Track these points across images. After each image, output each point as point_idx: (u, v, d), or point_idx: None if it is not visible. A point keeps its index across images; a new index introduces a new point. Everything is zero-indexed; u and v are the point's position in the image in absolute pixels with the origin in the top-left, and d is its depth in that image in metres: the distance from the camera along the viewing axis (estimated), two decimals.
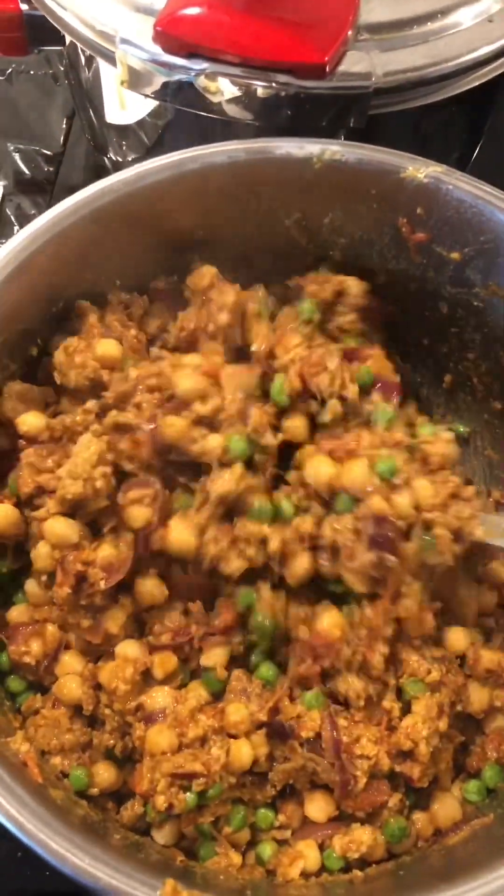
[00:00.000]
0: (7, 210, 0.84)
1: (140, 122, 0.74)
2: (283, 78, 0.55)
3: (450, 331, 0.61)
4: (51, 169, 0.86)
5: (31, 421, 0.53)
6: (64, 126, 0.88)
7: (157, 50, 0.57)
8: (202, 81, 0.58)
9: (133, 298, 0.61)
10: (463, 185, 0.53)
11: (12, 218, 0.84)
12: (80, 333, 0.56)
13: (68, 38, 0.69)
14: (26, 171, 0.86)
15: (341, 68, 0.55)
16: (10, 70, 0.90)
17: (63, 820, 0.41)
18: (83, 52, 0.66)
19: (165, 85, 0.60)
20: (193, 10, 0.54)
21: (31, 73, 0.90)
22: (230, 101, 0.59)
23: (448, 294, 0.59)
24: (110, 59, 0.60)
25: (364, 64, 0.56)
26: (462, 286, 0.58)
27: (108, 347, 0.55)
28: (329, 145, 0.55)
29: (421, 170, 0.54)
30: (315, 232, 0.60)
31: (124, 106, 0.74)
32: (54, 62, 0.91)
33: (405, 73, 0.56)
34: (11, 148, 0.87)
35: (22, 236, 0.53)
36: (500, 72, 0.60)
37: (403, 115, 0.60)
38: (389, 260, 0.60)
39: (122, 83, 0.59)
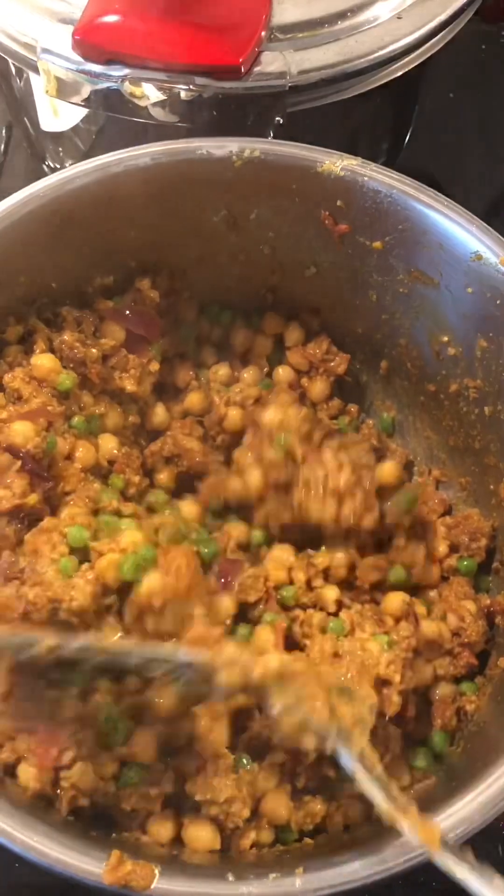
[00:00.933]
0: None
1: (75, 129, 0.75)
2: (201, 80, 0.57)
3: (381, 318, 0.64)
4: None
5: None
6: (3, 134, 0.89)
7: (78, 58, 0.58)
8: (127, 87, 0.59)
9: (83, 315, 0.62)
10: (377, 176, 0.55)
11: None
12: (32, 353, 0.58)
13: None
14: None
15: (257, 69, 0.57)
16: None
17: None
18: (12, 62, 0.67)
19: (92, 92, 0.61)
20: (110, 18, 0.56)
21: None
22: (156, 104, 0.61)
23: (375, 282, 0.61)
24: (32, 67, 0.61)
25: (278, 63, 0.57)
26: (387, 274, 0.60)
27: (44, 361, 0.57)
28: (248, 143, 0.57)
29: (336, 163, 0.56)
30: (243, 227, 0.61)
31: (57, 114, 0.75)
32: None
33: (319, 71, 0.58)
34: None
35: None
36: (414, 65, 0.62)
37: (331, 110, 0.62)
38: (318, 252, 0.62)
39: (47, 92, 0.61)
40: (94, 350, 0.62)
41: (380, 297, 0.62)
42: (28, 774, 0.47)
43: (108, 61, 0.57)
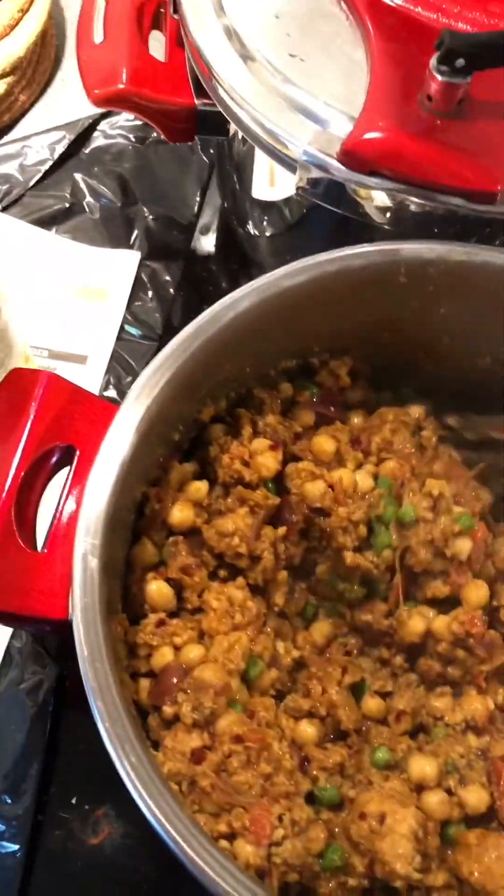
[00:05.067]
0: (142, 274, 0.88)
1: (286, 200, 0.78)
2: (454, 201, 0.59)
3: None
4: (184, 236, 0.91)
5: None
6: (198, 197, 0.93)
7: (335, 163, 0.61)
8: (353, 185, 0.62)
9: (272, 396, 0.66)
10: None
11: (147, 282, 0.88)
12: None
13: (232, 129, 0.74)
14: (161, 238, 0.91)
15: None
16: (150, 139, 0.95)
17: None
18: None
19: (317, 182, 0.64)
20: (378, 135, 0.58)
21: (170, 144, 0.95)
22: (378, 208, 0.63)
23: None
24: (285, 163, 0.64)
25: None
26: None
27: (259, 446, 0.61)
28: (456, 247, 0.61)
29: None
30: (428, 322, 0.65)
31: (273, 184, 0.78)
32: None
33: None
34: (148, 214, 0.91)
35: (176, 341, 0.57)
36: None
37: None
38: (495, 344, 0.65)
39: (297, 186, 0.63)
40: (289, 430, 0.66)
41: None
42: (246, 851, 0.49)
43: (372, 173, 0.59)
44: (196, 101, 0.72)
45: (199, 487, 0.62)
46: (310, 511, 0.61)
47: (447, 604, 0.61)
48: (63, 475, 0.56)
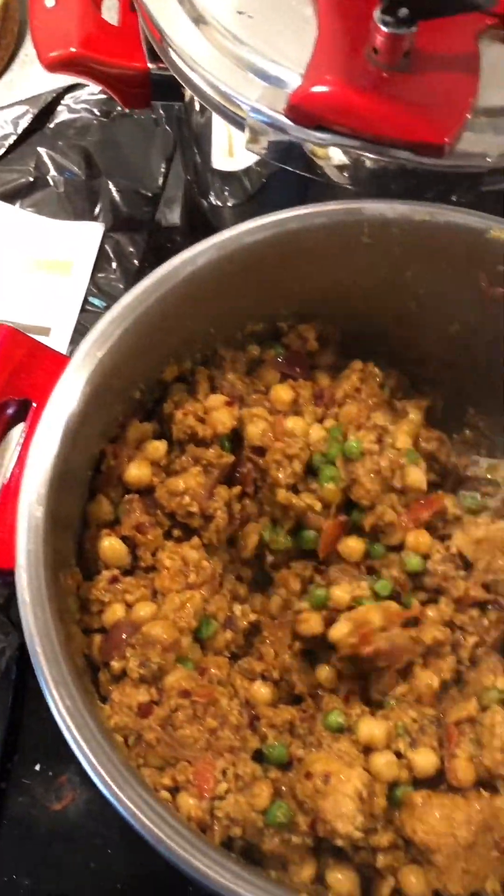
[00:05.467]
0: (106, 246, 0.88)
1: (246, 170, 0.78)
2: (402, 154, 0.59)
3: None
4: (148, 209, 0.91)
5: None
6: (163, 168, 0.93)
7: (283, 119, 0.61)
8: (310, 146, 0.62)
9: (237, 356, 0.65)
10: None
11: (111, 254, 0.88)
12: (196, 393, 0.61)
13: (188, 95, 0.74)
14: (125, 210, 0.90)
15: (458, 147, 0.59)
16: (114, 113, 0.95)
17: None
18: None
19: (274, 145, 0.64)
20: (325, 88, 0.58)
21: (135, 116, 0.95)
22: (337, 167, 0.63)
23: None
24: (236, 122, 0.63)
25: (480, 145, 0.59)
26: None
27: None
28: (419, 207, 0.60)
29: None
30: (395, 284, 0.65)
31: (232, 153, 0.78)
32: (156, 106, 0.95)
33: None
34: (113, 187, 0.91)
35: (132, 294, 0.58)
36: None
37: None
38: (464, 310, 0.65)
39: (247, 146, 0.63)
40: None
41: None
42: (188, 805, 0.48)
43: (318, 127, 0.59)
44: (150, 66, 0.72)
45: (158, 447, 0.61)
46: (251, 452, 0.61)
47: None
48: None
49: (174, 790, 0.50)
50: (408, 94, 0.59)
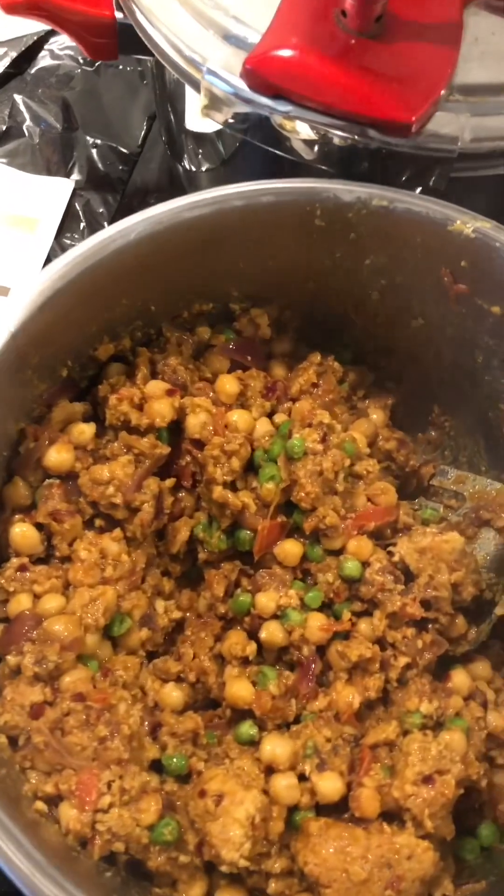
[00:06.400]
0: (76, 204, 0.84)
1: (219, 133, 0.73)
2: (367, 132, 0.54)
3: (483, 379, 0.61)
4: (125, 168, 0.86)
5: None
6: (144, 127, 0.88)
7: (243, 87, 0.56)
8: (278, 118, 0.57)
9: (184, 338, 0.61)
10: None
11: (80, 213, 0.84)
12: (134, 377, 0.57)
13: None
14: (101, 168, 0.86)
15: (428, 128, 0.54)
16: (99, 63, 0.89)
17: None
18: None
19: (240, 115, 0.59)
20: (285, 53, 0.53)
21: (120, 68, 0.89)
22: (304, 142, 0.58)
23: (485, 344, 0.59)
24: (194, 84, 0.59)
25: (452, 126, 0.54)
26: (501, 338, 0.58)
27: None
28: (378, 192, 0.56)
29: (468, 223, 0.54)
30: (355, 271, 0.60)
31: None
32: (144, 60, 0.90)
33: (495, 141, 0.54)
34: (90, 142, 0.86)
35: (56, 265, 0.53)
36: None
37: (491, 181, 0.58)
38: (428, 305, 0.60)
39: (201, 111, 0.58)
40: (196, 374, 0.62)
41: (486, 359, 0.60)
42: (69, 815, 0.46)
43: (275, 96, 0.54)
44: (118, 15, 0.66)
45: (84, 430, 0.58)
46: (190, 444, 0.57)
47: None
48: None
49: (57, 798, 0.47)
50: (376, 65, 0.53)
